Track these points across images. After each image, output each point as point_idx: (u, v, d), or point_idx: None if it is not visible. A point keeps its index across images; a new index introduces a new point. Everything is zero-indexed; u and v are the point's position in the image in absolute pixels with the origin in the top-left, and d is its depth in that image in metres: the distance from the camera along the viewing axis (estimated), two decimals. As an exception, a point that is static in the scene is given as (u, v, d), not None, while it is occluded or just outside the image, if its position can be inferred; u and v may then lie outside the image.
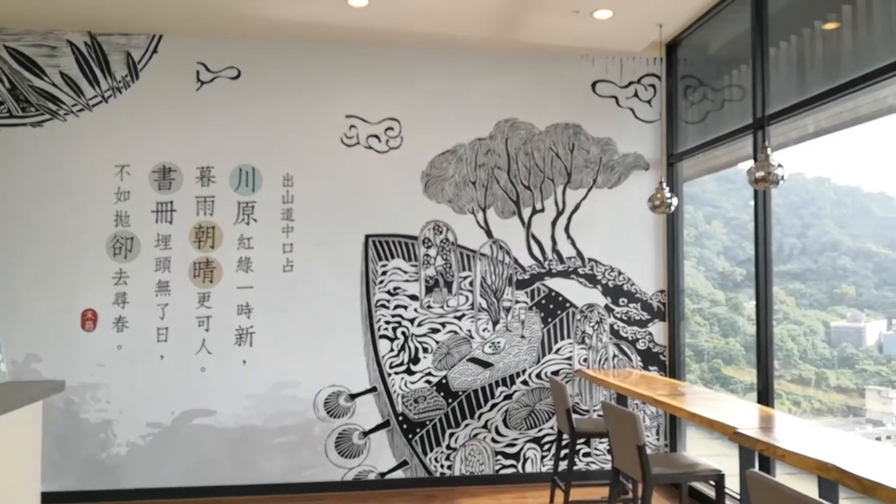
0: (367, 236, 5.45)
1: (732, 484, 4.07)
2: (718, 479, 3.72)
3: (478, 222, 5.55)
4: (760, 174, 3.70)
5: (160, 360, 5.21)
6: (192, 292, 5.27)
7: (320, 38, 5.40)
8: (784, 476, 4.34)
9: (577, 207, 5.64)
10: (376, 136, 5.49)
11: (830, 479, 2.76)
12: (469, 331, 5.49)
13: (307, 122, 5.43)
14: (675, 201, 4.87)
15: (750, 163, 4.07)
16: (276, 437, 5.29)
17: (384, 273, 5.43)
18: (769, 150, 3.74)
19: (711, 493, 4.52)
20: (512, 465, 5.51)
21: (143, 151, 5.29)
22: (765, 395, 4.48)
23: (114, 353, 5.18)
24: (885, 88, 3.74)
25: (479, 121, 5.59)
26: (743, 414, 3.77)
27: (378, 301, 5.42)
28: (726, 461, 3.98)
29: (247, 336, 5.29)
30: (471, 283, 5.51)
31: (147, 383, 5.19)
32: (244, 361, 5.28)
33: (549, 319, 5.58)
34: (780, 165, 3.71)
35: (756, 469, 3.40)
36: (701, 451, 5.52)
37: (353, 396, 5.38)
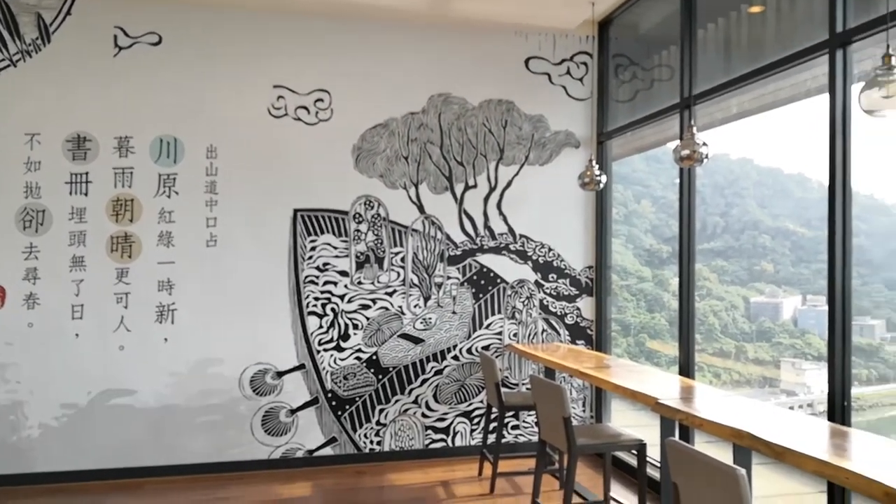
0: (296, 211, 5.32)
1: (655, 453, 4.19)
2: (640, 448, 3.82)
3: (410, 197, 5.50)
4: (686, 152, 3.77)
5: (75, 338, 4.98)
6: (110, 268, 5.04)
7: (247, 5, 5.20)
8: (703, 444, 4.50)
9: (509, 184, 5.66)
10: (305, 108, 5.35)
11: (744, 445, 2.87)
12: (400, 307, 5.46)
13: (232, 92, 5.24)
14: (603, 179, 4.93)
15: (677, 142, 4.15)
16: (200, 416, 5.15)
17: (313, 248, 5.33)
18: (694, 129, 3.81)
19: (634, 461, 4.64)
20: (442, 440, 5.54)
21: (55, 119, 4.99)
22: (686, 368, 4.62)
23: (24, 331, 4.91)
24: (805, 72, 3.85)
25: (411, 95, 5.51)
26: (665, 385, 3.88)
27: (307, 277, 5.31)
28: (650, 431, 4.09)
29: (168, 313, 5.11)
30: (402, 259, 5.46)
31: (61, 363, 4.95)
32: (165, 339, 5.10)
33: (481, 295, 5.60)
34: (704, 144, 3.79)
35: (676, 438, 3.51)
36: (626, 421, 5.68)
37: (280, 374, 5.28)
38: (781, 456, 2.63)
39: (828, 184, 3.41)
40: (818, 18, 3.52)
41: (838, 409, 3.32)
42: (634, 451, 3.88)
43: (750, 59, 4.14)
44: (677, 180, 4.73)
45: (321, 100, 5.37)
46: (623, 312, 7.40)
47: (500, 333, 5.63)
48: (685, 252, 4.66)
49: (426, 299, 5.49)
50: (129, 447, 5.03)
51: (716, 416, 3.09)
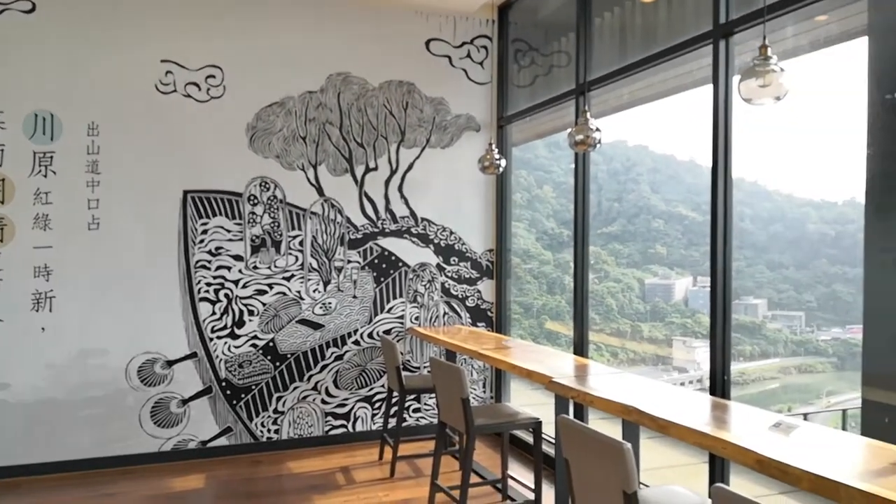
0: (186, 192, 5.07)
1: (552, 431, 4.30)
2: (536, 426, 3.91)
3: (308, 179, 5.36)
4: (580, 137, 3.85)
5: (-62, 329, 4.57)
6: (-22, 252, 4.65)
7: (130, -28, 4.88)
8: (597, 421, 4.66)
9: (410, 167, 5.62)
10: (196, 84, 5.10)
11: (632, 420, 2.97)
12: (299, 292, 5.33)
13: (116, 66, 4.92)
14: (503, 163, 4.98)
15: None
16: (83, 410, 4.85)
17: (205, 232, 5.11)
18: (588, 115, 3.89)
19: (532, 440, 4.75)
20: (342, 426, 5.48)
21: None
22: (580, 347, 4.75)
23: None
24: (692, 62, 4.01)
25: (309, 73, 5.36)
26: (560, 365, 3.98)
27: (198, 262, 5.09)
28: (548, 409, 4.19)
29: (45, 301, 4.77)
30: (300, 243, 5.33)
31: (-79, 356, 4.54)
32: (43, 329, 4.76)
33: (382, 279, 5.55)
34: (597, 130, 3.88)
35: (570, 415, 3.60)
36: (525, 401, 5.81)
37: (170, 363, 5.05)
38: (665, 429, 2.74)
39: (710, 170, 3.56)
40: (703, 9, 3.67)
41: (719, 384, 3.51)
42: (531, 430, 3.95)
43: (641, 47, 4.27)
44: (572, 165, 4.83)
45: (213, 76, 5.13)
46: (526, 295, 7.53)
47: (401, 317, 5.61)
48: (580, 234, 4.78)
49: (326, 284, 5.39)
50: (3, 444, 4.68)
51: (605, 393, 3.20)
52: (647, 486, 3.28)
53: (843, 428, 5.38)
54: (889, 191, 3.55)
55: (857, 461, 2.24)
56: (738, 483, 3.70)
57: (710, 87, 3.55)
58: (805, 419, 5.75)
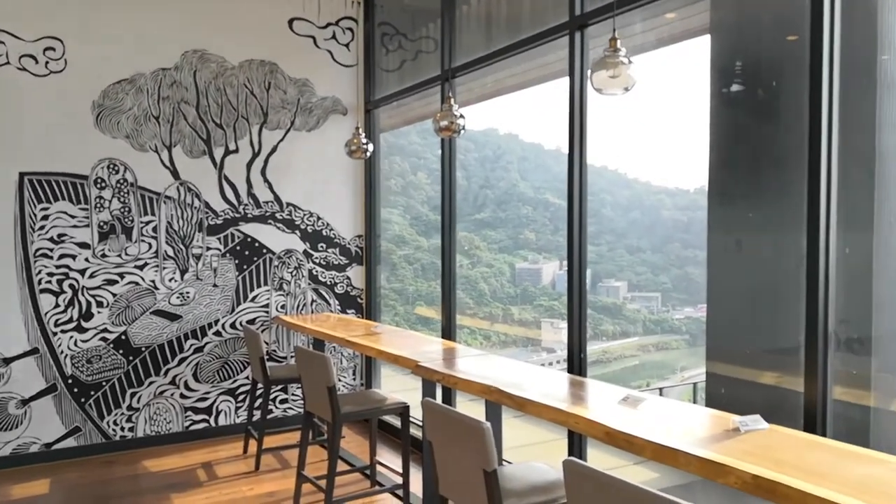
0: (22, 175, 4.63)
1: (420, 414, 4.32)
2: (404, 411, 3.92)
3: (162, 161, 5.05)
4: (444, 123, 3.87)
5: None
6: None
7: (-52, -74, 4.36)
8: (466, 402, 4.74)
9: (274, 149, 5.43)
10: (32, 57, 4.64)
11: (493, 400, 3.04)
12: (153, 281, 5.02)
13: (-67, 31, 4.39)
14: (371, 147, 4.92)
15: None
16: None
17: (45, 218, 4.68)
18: (453, 101, 3.92)
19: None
20: (204, 420, 5.24)
21: None
22: (448, 331, 4.81)
23: None
24: (553, 53, 4.13)
25: (162, 49, 5.03)
26: (428, 349, 4.00)
27: (38, 250, 4.66)
28: (419, 394, 4.21)
29: None
30: (154, 229, 5.02)
31: None
32: None
33: (245, 266, 5.34)
34: (462, 116, 3.92)
35: (437, 398, 3.64)
36: (397, 387, 5.82)
37: (7, 360, 4.61)
38: (523, 407, 2.83)
39: (567, 159, 3.69)
40: (561, 1, 3.78)
41: (576, 362, 3.66)
42: (400, 415, 3.96)
43: (504, 36, 4.34)
44: (439, 150, 4.86)
45: (52, 48, 4.69)
46: (401, 281, 7.53)
47: (266, 306, 5.43)
48: (447, 220, 4.83)
49: (183, 272, 5.11)
50: None
51: (469, 375, 3.25)
52: (510, 462, 3.38)
53: (694, 400, 5.77)
54: (729, 179, 3.84)
55: (696, 429, 2.40)
56: (598, 456, 3.90)
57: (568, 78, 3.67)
58: (661, 393, 6.16)
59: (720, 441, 2.24)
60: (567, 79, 3.64)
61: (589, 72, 3.20)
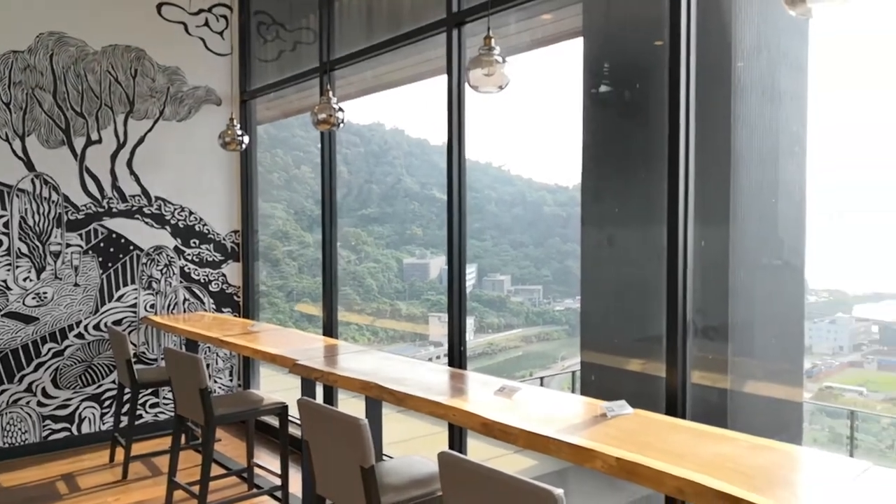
0: None
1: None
2: (282, 411, 3.81)
3: (14, 151, 4.64)
4: (322, 116, 3.80)
5: None
6: None
7: None
8: (351, 399, 4.68)
9: (141, 140, 5.12)
10: None
11: (373, 396, 3.02)
12: (5, 281, 4.61)
13: None
14: (247, 139, 4.75)
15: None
16: None
17: None
18: (331, 94, 3.86)
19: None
20: (65, 429, 4.88)
21: None
22: (330, 328, 4.74)
23: None
24: (435, 49, 4.13)
25: (12, 30, 4.62)
26: (308, 347, 3.92)
27: None
28: (300, 394, 4.12)
29: None
30: (6, 225, 4.61)
31: None
32: None
33: (110, 264, 5.01)
34: (340, 109, 3.86)
35: (318, 397, 3.58)
36: (277, 387, 5.66)
37: None
38: (403, 402, 2.83)
39: (446, 155, 3.72)
40: (440, -3, 3.80)
41: (456, 355, 3.70)
42: (278, 415, 3.86)
43: (384, 30, 4.32)
44: (319, 144, 4.77)
45: None
46: (285, 278, 7.33)
47: (134, 306, 5.13)
48: (328, 214, 4.75)
49: (39, 271, 4.73)
50: None
51: (348, 372, 3.21)
52: (391, 458, 3.37)
53: (573, 388, 5.98)
54: (600, 176, 4.02)
55: (567, 417, 2.49)
56: (482, 446, 3.96)
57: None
58: (541, 383, 6.36)
59: (589, 427, 2.34)
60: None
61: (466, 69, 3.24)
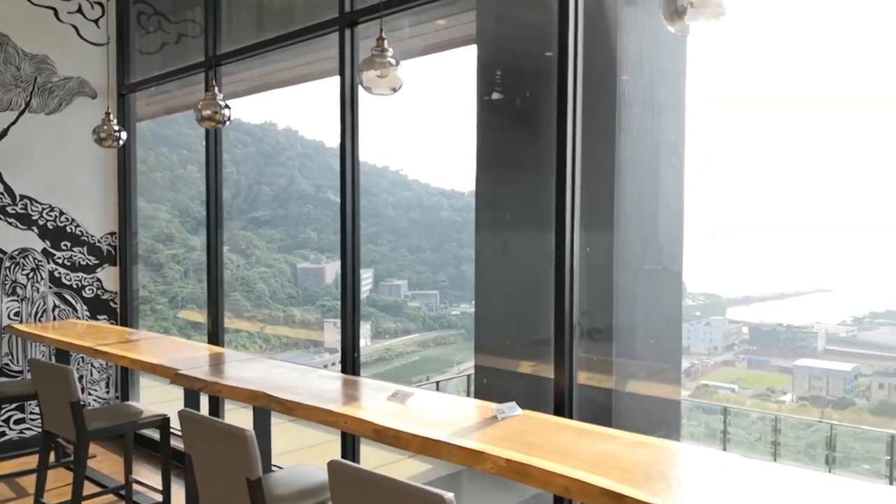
0: None
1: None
2: (163, 423, 3.62)
3: None
4: (207, 113, 3.65)
5: None
6: None
7: None
8: (237, 409, 4.50)
9: (4, 133, 4.72)
10: None
11: (261, 405, 2.91)
12: None
13: None
14: (124, 135, 4.48)
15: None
16: None
17: None
18: (217, 90, 3.71)
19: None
20: (-88, 452, 4.42)
21: None
22: (216, 335, 4.54)
23: None
24: (325, 50, 4.05)
25: None
26: (193, 356, 3.74)
27: None
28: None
29: None
30: None
31: None
32: None
33: (-32, 268, 4.59)
34: (227, 106, 3.72)
35: (202, 409, 3.42)
36: (158, 398, 5.37)
37: None
38: (292, 411, 2.74)
39: (339, 157, 3.65)
40: (333, -4, 3.73)
41: (349, 362, 3.64)
42: (159, 428, 3.66)
43: (276, 27, 4.20)
44: (206, 143, 4.57)
45: None
46: (169, 283, 6.98)
47: (-4, 313, 4.72)
48: (213, 216, 4.56)
49: None
50: None
51: (235, 381, 3.08)
52: (280, 468, 3.26)
53: (468, 391, 6.03)
54: (494, 182, 4.07)
55: (459, 420, 2.49)
56: (376, 453, 3.91)
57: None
58: (437, 387, 6.38)
59: (480, 429, 2.35)
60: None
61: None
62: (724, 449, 7.00)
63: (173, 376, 3.29)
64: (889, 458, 6.65)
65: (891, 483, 6.40)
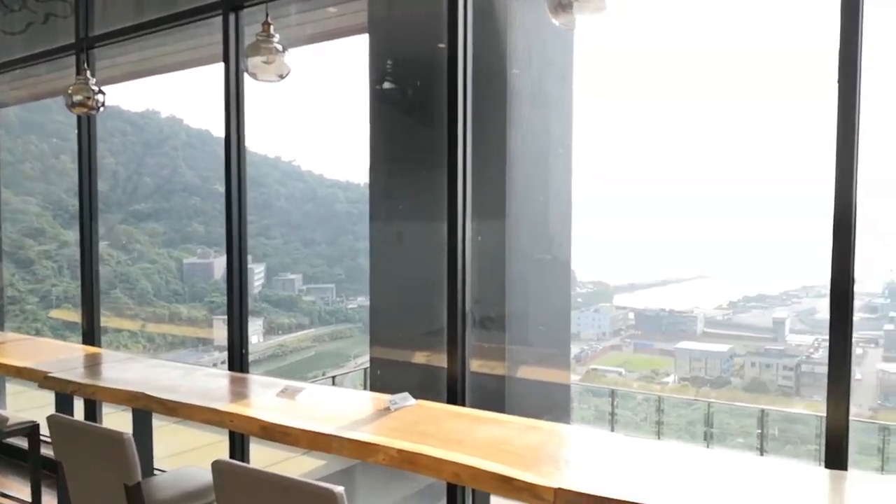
0: None
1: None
2: (32, 430, 3.37)
3: None
4: (78, 98, 3.43)
5: None
6: None
7: None
8: (118, 413, 4.26)
9: None
10: None
11: (141, 407, 2.76)
12: None
13: None
14: (-16, 121, 4.13)
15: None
16: None
17: None
18: (89, 73, 3.48)
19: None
20: None
21: None
22: (91, 335, 4.27)
23: None
24: (210, 36, 3.87)
25: None
26: (66, 358, 3.51)
27: None
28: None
29: None
30: None
31: None
32: None
33: None
34: (101, 91, 3.50)
35: (78, 413, 3.21)
36: (27, 404, 4.99)
37: None
38: (175, 412, 2.62)
39: (224, 147, 3.51)
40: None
41: (237, 359, 3.52)
42: (27, 436, 3.40)
43: (154, 8, 3.97)
44: (78, 130, 4.28)
45: None
46: (41, 281, 6.52)
47: None
48: (87, 209, 4.27)
49: None
50: None
51: (112, 382, 2.91)
52: (163, 472, 3.11)
53: (365, 385, 5.98)
54: (388, 173, 4.04)
55: (352, 413, 2.46)
56: (269, 451, 3.79)
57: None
58: (334, 382, 6.29)
59: (372, 422, 2.33)
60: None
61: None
62: (612, 430, 7.33)
63: (42, 379, 3.06)
64: (759, 431, 7.16)
65: (761, 454, 6.88)
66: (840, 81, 2.05)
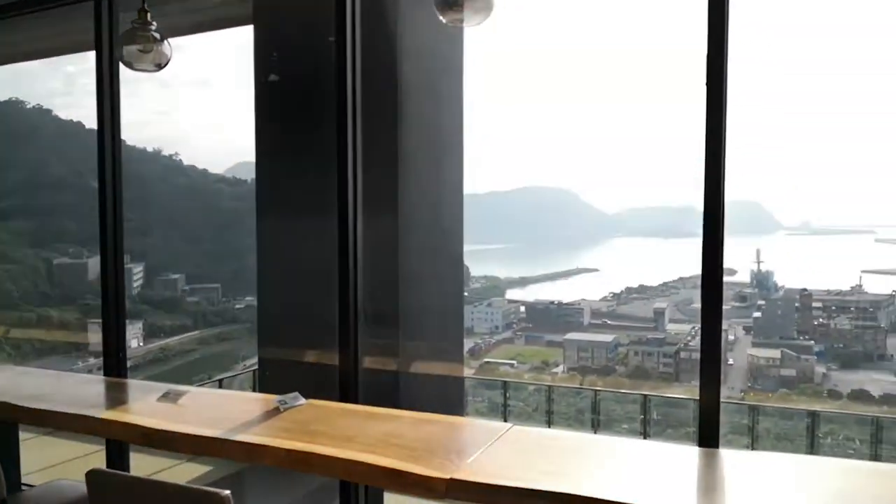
0: None
1: None
2: None
3: None
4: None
5: None
6: None
7: None
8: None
9: None
10: None
11: (3, 417, 2.56)
12: None
13: None
14: None
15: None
16: None
17: None
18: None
19: None
20: None
21: None
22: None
23: None
24: (81, 21, 3.64)
25: None
26: None
27: None
28: None
29: None
30: None
31: None
32: None
33: None
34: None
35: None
36: None
37: None
38: (43, 420, 2.47)
39: (97, 139, 3.31)
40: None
41: (114, 364, 3.33)
42: None
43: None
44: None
45: None
46: None
47: None
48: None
49: None
50: None
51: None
52: (32, 486, 2.90)
53: (254, 387, 5.81)
54: (275, 168, 3.93)
55: (239, 415, 2.37)
56: (151, 459, 3.60)
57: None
58: (220, 384, 6.06)
59: (260, 423, 2.27)
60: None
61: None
62: (506, 420, 7.50)
63: None
64: (643, 416, 7.56)
65: (644, 438, 7.26)
66: (708, 84, 2.18)
